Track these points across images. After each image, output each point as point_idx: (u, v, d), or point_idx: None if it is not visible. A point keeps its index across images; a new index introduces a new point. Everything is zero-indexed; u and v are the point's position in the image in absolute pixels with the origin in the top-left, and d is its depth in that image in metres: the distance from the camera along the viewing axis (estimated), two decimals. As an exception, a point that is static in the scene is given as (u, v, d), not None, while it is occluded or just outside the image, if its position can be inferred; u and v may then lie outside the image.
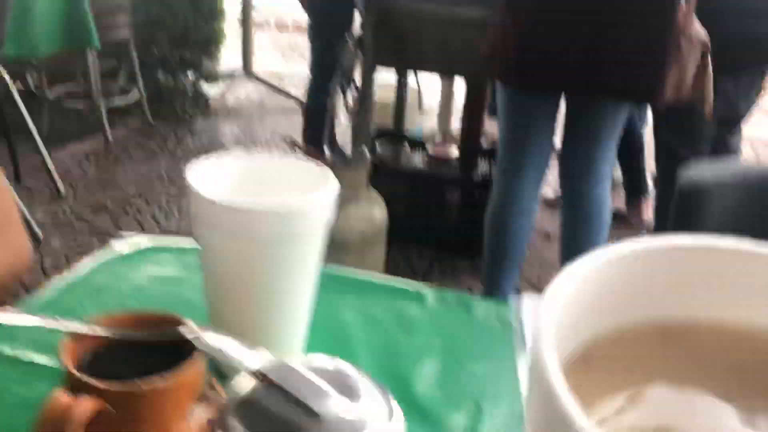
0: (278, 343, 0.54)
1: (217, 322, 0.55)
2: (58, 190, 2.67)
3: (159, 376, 0.39)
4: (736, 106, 1.82)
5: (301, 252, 0.51)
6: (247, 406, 0.30)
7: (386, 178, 2.33)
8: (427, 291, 0.69)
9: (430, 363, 0.60)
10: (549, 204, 2.80)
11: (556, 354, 0.18)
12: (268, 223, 0.49)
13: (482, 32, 1.82)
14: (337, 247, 2.12)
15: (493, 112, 3.04)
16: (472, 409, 0.54)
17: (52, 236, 2.35)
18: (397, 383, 0.57)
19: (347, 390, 0.32)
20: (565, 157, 1.82)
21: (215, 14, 3.71)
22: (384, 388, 0.34)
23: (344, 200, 2.05)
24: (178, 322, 0.43)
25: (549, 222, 2.70)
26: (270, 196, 0.52)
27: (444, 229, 2.42)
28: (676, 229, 0.99)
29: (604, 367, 0.22)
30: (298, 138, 2.81)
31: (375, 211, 1.96)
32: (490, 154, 2.34)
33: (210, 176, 0.55)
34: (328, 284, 0.69)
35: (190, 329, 0.42)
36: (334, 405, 0.31)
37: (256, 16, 4.34)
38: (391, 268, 2.25)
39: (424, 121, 3.21)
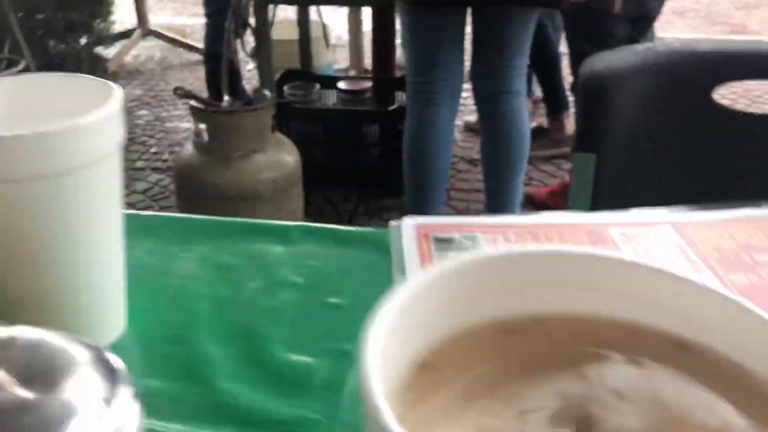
0: (79, 317, 0.42)
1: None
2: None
3: None
4: (646, 6, 1.76)
5: (77, 191, 0.39)
6: None
7: (297, 121, 2.20)
8: (292, 227, 0.59)
9: (290, 309, 0.49)
10: (472, 129, 2.72)
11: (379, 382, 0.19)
12: (15, 155, 0.36)
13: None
14: (249, 200, 1.99)
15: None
16: (339, 357, 0.44)
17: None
18: (246, 340, 0.46)
19: (38, 377, 0.21)
20: (476, 76, 1.77)
21: (98, -32, 3.42)
22: (111, 361, 0.23)
23: (249, 148, 1.92)
24: None
25: (474, 148, 2.63)
26: (39, 122, 0.40)
27: (366, 167, 2.31)
28: (583, 125, 0.90)
29: (444, 370, 0.22)
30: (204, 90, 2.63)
31: (285, 157, 1.84)
32: (405, 82, 2.23)
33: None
34: (170, 234, 0.57)
35: None
36: (8, 402, 0.20)
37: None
38: (314, 216, 2.14)
39: (334, 57, 3.06)
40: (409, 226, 0.58)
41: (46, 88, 0.44)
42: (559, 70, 2.49)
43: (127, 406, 0.22)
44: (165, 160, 2.58)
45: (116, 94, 0.41)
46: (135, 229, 0.55)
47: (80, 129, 0.38)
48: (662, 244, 0.56)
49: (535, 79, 2.58)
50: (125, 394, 0.22)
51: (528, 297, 0.23)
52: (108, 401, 0.21)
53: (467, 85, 1.86)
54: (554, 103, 2.55)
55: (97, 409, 0.21)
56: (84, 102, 0.43)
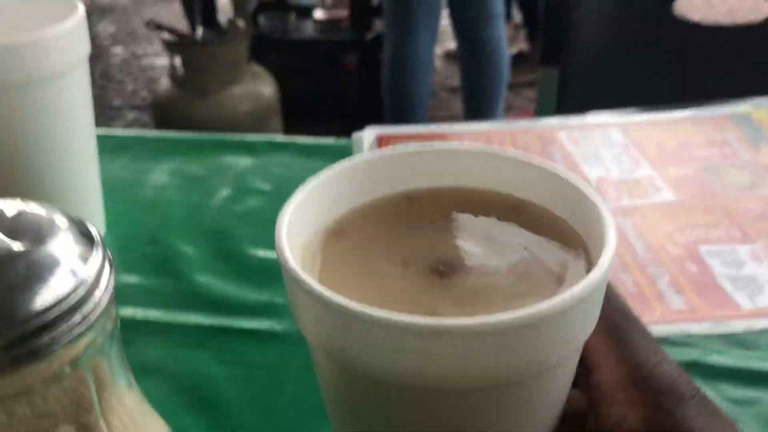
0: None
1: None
2: None
3: None
4: None
5: (51, 100, 0.42)
6: None
7: (274, 52, 2.18)
8: (259, 141, 0.62)
9: (258, 214, 0.53)
10: (452, 56, 2.71)
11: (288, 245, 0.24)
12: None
13: None
14: (224, 131, 2.01)
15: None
16: (303, 252, 0.48)
17: None
18: (217, 240, 0.50)
19: (24, 234, 0.25)
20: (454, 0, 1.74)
21: None
22: (89, 228, 0.26)
23: (225, 80, 1.92)
24: None
25: (455, 76, 2.63)
26: (5, 35, 0.42)
27: (345, 97, 2.31)
28: (546, 39, 0.92)
29: (349, 234, 0.27)
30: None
31: (262, 88, 1.84)
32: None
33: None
34: (142, 151, 0.60)
35: None
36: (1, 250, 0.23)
37: None
38: (294, 147, 2.16)
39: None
40: (370, 135, 0.61)
41: (10, 5, 0.46)
42: (539, -6, 2.48)
43: (101, 266, 0.25)
44: (143, 98, 2.56)
45: (79, 8, 0.43)
46: (110, 147, 0.59)
47: (46, 40, 0.40)
48: (608, 144, 0.59)
49: (514, 3, 2.57)
50: (100, 255, 0.25)
51: (407, 180, 0.29)
52: (85, 259, 0.25)
53: (446, 12, 1.85)
54: (534, 27, 2.54)
55: (76, 264, 0.24)
56: (49, 18, 0.45)
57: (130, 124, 2.40)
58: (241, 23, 1.83)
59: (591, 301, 0.22)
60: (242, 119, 1.75)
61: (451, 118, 2.40)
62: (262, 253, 0.48)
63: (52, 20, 0.42)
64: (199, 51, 1.70)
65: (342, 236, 0.27)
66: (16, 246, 0.24)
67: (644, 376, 0.23)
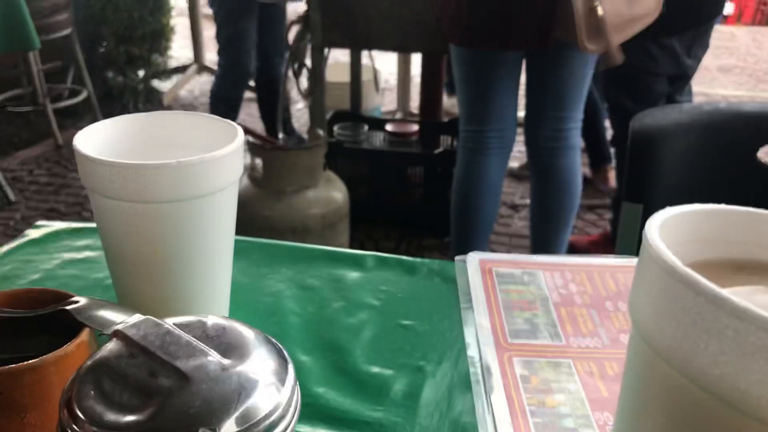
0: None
1: (125, 301, 0.50)
2: (7, 197, 2.57)
3: (42, 354, 0.34)
4: (682, 65, 1.81)
5: (205, 213, 0.46)
6: (101, 369, 0.25)
7: (346, 160, 2.28)
8: (367, 256, 0.65)
9: (369, 328, 0.55)
10: (515, 175, 2.78)
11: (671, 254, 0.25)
12: (160, 180, 0.43)
13: (432, 1, 1.76)
14: (298, 233, 2.06)
15: (451, 90, 3.01)
16: (414, 372, 0.50)
17: (3, 245, 2.26)
18: (332, 352, 0.52)
19: (231, 350, 0.27)
20: (531, 126, 1.73)
21: (161, 7, 3.61)
22: (281, 350, 0.29)
23: (301, 184, 2.01)
24: (66, 297, 0.38)
25: (516, 193, 2.68)
26: (170, 155, 0.47)
27: (409, 207, 2.38)
28: (632, 177, 0.95)
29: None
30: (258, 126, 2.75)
31: (334, 194, 1.92)
32: (451, 127, 2.30)
33: (103, 138, 0.50)
34: (259, 256, 0.64)
35: (76, 303, 0.36)
36: (209, 366, 0.26)
37: (203, 7, 4.24)
38: (356, 251, 2.20)
39: (382, 100, 3.16)
40: (474, 260, 0.64)
41: (178, 124, 0.52)
42: (602, 122, 2.54)
43: (293, 384, 0.27)
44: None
45: (239, 133, 0.48)
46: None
47: (214, 161, 0.45)
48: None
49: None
50: (292, 374, 0.28)
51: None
52: (280, 377, 0.27)
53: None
54: (597, 154, 2.59)
55: (274, 381, 0.27)
56: (205, 137, 0.50)
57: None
58: (321, 132, 1.94)
59: None
60: (314, 222, 1.82)
61: (511, 236, 2.43)
62: (375, 369, 0.50)
63: (217, 143, 0.47)
64: (280, 155, 1.79)
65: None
66: (226, 361, 0.27)
67: None
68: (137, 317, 0.29)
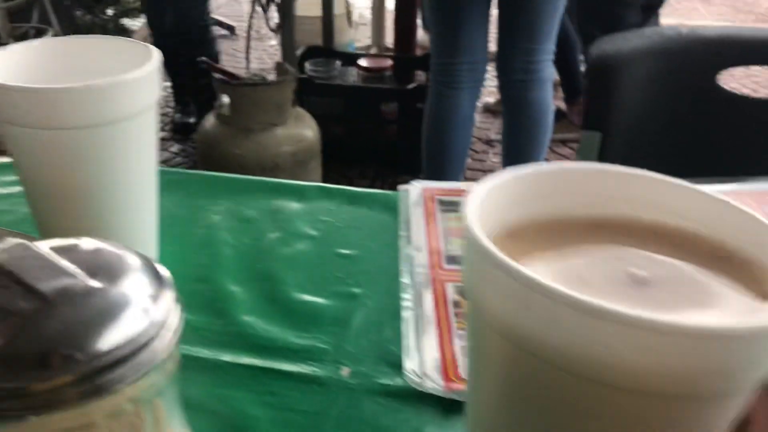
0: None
1: (46, 235, 0.48)
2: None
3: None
4: None
5: (121, 140, 0.44)
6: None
7: (318, 97, 2.24)
8: (309, 186, 0.63)
9: (305, 258, 0.54)
10: (490, 110, 2.75)
11: (481, 229, 0.25)
12: (68, 105, 0.41)
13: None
14: (268, 171, 2.04)
15: (427, 26, 2.94)
16: (347, 299, 0.49)
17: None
18: (264, 282, 0.51)
19: (103, 273, 0.26)
20: (503, 59, 1.72)
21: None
22: (162, 274, 0.28)
23: (270, 121, 1.97)
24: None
25: (491, 129, 2.66)
26: (82, 78, 0.45)
27: (383, 144, 2.35)
28: (590, 104, 0.94)
29: (525, 238, 0.29)
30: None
31: (305, 131, 1.89)
32: (426, 62, 2.25)
33: (16, 65, 0.47)
34: (197, 189, 0.63)
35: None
36: (73, 288, 0.25)
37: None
38: (330, 189, 2.18)
39: (356, 35, 3.09)
40: (416, 188, 0.62)
41: (90, 49, 0.49)
42: (577, 55, 2.51)
43: (170, 305, 0.26)
44: (188, 132, 2.63)
45: (155, 55, 0.46)
46: (165, 184, 0.61)
47: (124, 84, 0.43)
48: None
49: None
50: (170, 296, 0.27)
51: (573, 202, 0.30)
52: (155, 299, 0.26)
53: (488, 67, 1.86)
54: (572, 87, 2.56)
55: (147, 303, 0.26)
56: (125, 61, 0.48)
57: (173, 157, 2.47)
58: (289, 67, 1.89)
59: None
60: (283, 159, 1.79)
61: (484, 171, 2.42)
62: (307, 297, 0.50)
63: (130, 65, 0.45)
64: (247, 91, 1.75)
65: (514, 240, 0.28)
66: (93, 283, 0.26)
67: None
68: (13, 242, 0.28)
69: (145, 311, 0.26)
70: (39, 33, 3.22)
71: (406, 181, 0.63)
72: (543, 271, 0.26)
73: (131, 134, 0.45)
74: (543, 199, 0.30)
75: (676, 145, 0.89)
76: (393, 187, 0.63)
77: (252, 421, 0.39)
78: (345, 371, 0.43)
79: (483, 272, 0.24)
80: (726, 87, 0.90)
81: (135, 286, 0.26)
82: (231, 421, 0.39)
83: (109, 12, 3.55)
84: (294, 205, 0.61)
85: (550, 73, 1.70)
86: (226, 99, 1.80)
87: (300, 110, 1.91)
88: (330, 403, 0.41)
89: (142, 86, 0.44)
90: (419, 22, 2.70)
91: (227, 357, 0.44)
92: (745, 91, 2.69)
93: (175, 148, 2.53)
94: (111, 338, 0.24)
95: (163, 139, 2.59)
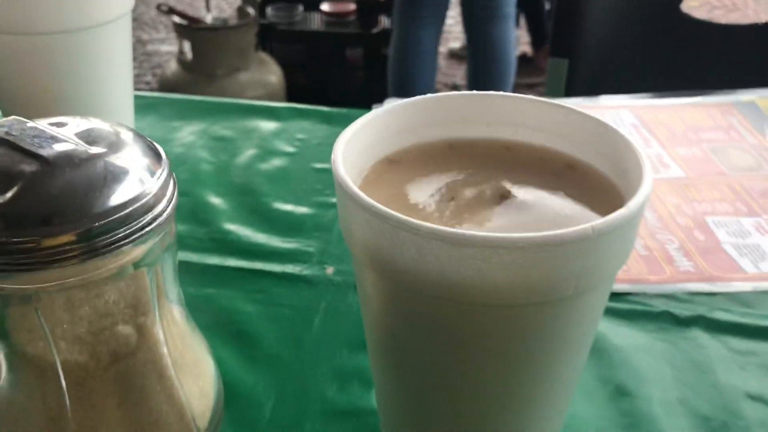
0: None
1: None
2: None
3: None
4: None
5: (94, 48, 0.44)
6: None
7: (281, 43, 2.21)
8: (282, 107, 0.63)
9: (283, 172, 0.55)
10: (455, 55, 2.74)
11: (342, 165, 0.26)
12: (38, 8, 0.41)
13: None
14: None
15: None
16: (328, 208, 0.50)
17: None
18: (245, 194, 0.52)
19: (100, 142, 0.26)
20: None
21: None
22: (157, 148, 0.28)
23: (232, 66, 1.94)
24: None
25: (457, 74, 2.66)
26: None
27: (349, 92, 2.33)
28: (557, 30, 0.94)
29: (408, 165, 0.30)
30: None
31: (269, 77, 1.86)
32: (390, 6, 2.23)
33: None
34: (170, 111, 0.62)
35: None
36: (74, 152, 0.25)
37: None
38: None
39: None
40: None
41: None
42: (544, 1, 2.50)
43: (168, 178, 0.27)
44: (148, 82, 2.57)
45: (126, -39, 0.45)
46: (138, 108, 0.60)
47: (96, -12, 0.42)
48: (619, 124, 0.62)
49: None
50: (167, 169, 0.27)
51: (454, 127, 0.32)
52: (152, 167, 0.27)
53: (454, 12, 1.86)
54: (539, 33, 2.57)
55: (145, 170, 0.26)
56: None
57: (133, 108, 2.41)
58: (250, 11, 1.85)
59: (613, 237, 0.23)
60: (248, 105, 1.77)
61: (452, 116, 2.42)
62: (288, 207, 0.50)
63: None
64: (208, 36, 1.71)
65: (392, 168, 0.30)
66: (94, 150, 0.26)
67: None
68: (9, 118, 0.28)
69: (143, 178, 0.26)
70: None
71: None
72: (415, 196, 0.28)
73: (105, 43, 0.45)
74: (428, 127, 0.32)
75: (644, 67, 0.91)
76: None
77: (243, 316, 0.40)
78: (329, 270, 0.44)
79: (349, 212, 0.25)
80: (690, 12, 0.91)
81: (133, 155, 0.27)
82: (222, 317, 0.40)
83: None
84: (269, 125, 0.61)
85: (511, 10, 1.73)
86: (187, 44, 1.76)
87: (263, 55, 1.89)
88: (317, 298, 0.42)
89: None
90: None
91: (214, 260, 0.44)
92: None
93: (135, 99, 2.48)
94: (113, 200, 0.24)
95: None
